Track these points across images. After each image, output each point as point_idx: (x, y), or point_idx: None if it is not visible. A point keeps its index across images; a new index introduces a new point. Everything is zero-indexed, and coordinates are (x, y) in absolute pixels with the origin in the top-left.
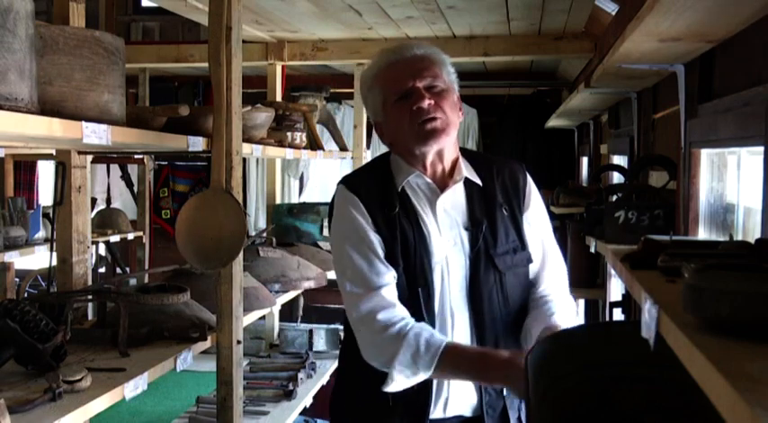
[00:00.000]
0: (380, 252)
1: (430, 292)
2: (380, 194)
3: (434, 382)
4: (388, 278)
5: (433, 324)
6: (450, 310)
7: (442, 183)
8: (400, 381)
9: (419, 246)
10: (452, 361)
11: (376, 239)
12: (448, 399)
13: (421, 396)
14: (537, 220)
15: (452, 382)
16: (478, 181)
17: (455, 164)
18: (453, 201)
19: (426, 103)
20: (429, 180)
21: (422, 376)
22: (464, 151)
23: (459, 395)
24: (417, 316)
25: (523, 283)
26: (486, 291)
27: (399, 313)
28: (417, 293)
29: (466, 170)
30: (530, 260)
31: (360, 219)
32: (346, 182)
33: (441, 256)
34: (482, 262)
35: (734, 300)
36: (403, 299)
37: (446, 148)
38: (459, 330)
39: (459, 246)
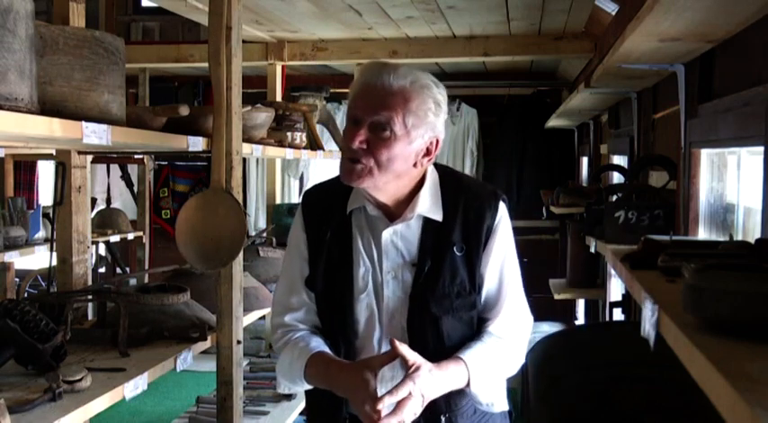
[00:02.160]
0: (303, 275)
1: (347, 321)
2: (325, 215)
3: None
4: (301, 304)
5: (352, 351)
6: (379, 339)
7: (392, 214)
8: (286, 387)
9: (342, 273)
10: (314, 370)
11: (300, 263)
12: None
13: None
14: (496, 260)
15: (386, 412)
16: (439, 217)
17: (411, 196)
18: (404, 233)
19: (356, 143)
20: (376, 213)
21: (300, 384)
22: (444, 175)
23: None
24: (335, 341)
25: (467, 326)
26: (421, 331)
27: (299, 326)
28: (334, 320)
29: (426, 206)
30: (474, 305)
31: (298, 236)
32: (308, 193)
33: (369, 288)
34: (419, 302)
35: (734, 300)
36: (323, 323)
37: (372, 190)
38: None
39: (398, 279)
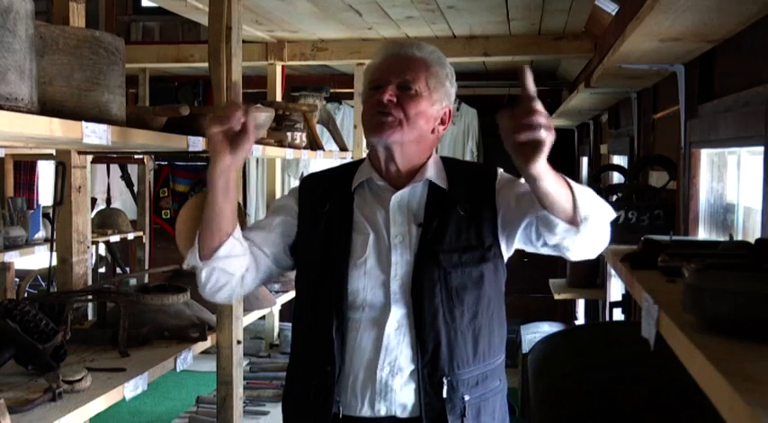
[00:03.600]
0: (269, 234)
1: (341, 290)
2: (325, 192)
3: (345, 376)
4: (252, 241)
5: (345, 323)
6: (384, 305)
7: (399, 183)
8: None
9: (337, 242)
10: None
11: (279, 220)
12: (375, 395)
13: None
14: (513, 191)
15: (385, 378)
16: (444, 185)
17: (419, 168)
18: (410, 198)
19: (387, 97)
20: (382, 182)
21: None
22: (445, 159)
23: (392, 393)
24: (327, 313)
25: (474, 283)
26: (428, 287)
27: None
28: (327, 289)
29: (434, 173)
30: (483, 259)
31: (286, 203)
32: (307, 176)
33: (372, 255)
34: (426, 259)
35: (734, 300)
36: (315, 296)
37: (397, 148)
38: (394, 324)
39: (406, 242)
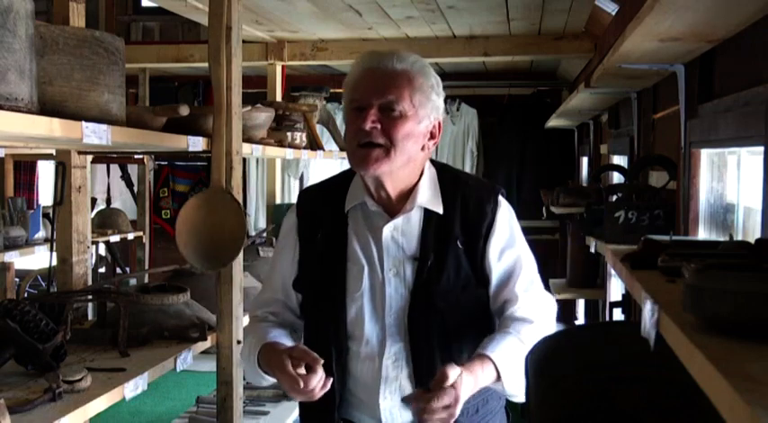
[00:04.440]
0: (282, 274)
1: (338, 323)
2: (319, 216)
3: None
4: (272, 300)
5: (345, 355)
6: (381, 338)
7: (392, 208)
8: (249, 375)
9: (333, 274)
10: (265, 358)
11: (282, 263)
12: (380, 416)
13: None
14: (503, 248)
15: (389, 408)
16: (439, 210)
17: (411, 190)
18: (404, 227)
19: (369, 124)
20: (375, 208)
21: (259, 375)
22: (441, 170)
23: (398, 417)
24: (325, 346)
25: (472, 321)
26: (424, 328)
27: (269, 317)
28: (324, 323)
29: (426, 197)
30: (480, 299)
31: (288, 238)
32: (303, 193)
33: (366, 287)
34: (422, 297)
35: (734, 300)
36: (313, 328)
37: (387, 177)
38: (392, 358)
39: (400, 275)
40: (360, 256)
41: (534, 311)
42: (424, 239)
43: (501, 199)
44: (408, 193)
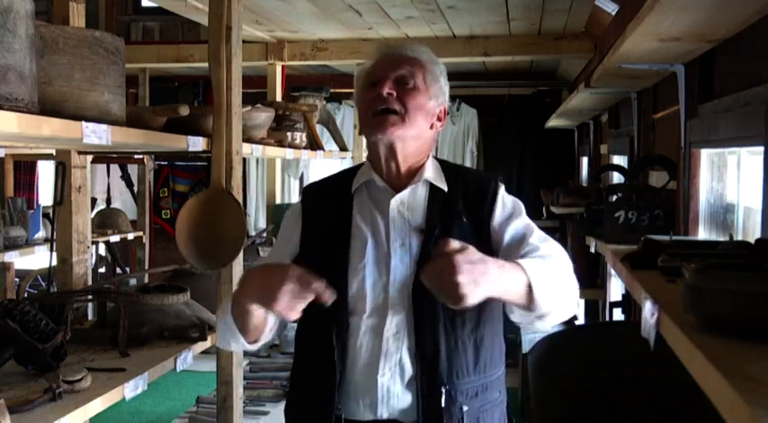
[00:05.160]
0: (281, 257)
1: (339, 296)
2: (325, 199)
3: (348, 380)
4: None
5: (345, 329)
6: (382, 311)
7: (399, 184)
8: (220, 334)
9: (336, 247)
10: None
11: (283, 246)
12: (376, 400)
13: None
14: (509, 225)
15: (386, 384)
16: (444, 187)
17: (419, 168)
18: (410, 201)
19: (386, 90)
20: (382, 183)
21: (233, 335)
22: (442, 162)
23: (394, 398)
24: (326, 319)
25: None
26: (429, 294)
27: None
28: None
29: (432, 175)
30: None
31: (291, 223)
32: (308, 186)
33: (371, 259)
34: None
35: (734, 300)
36: (313, 303)
37: (399, 145)
38: (393, 329)
39: (406, 246)
40: (364, 230)
41: (558, 251)
42: (430, 213)
43: (500, 185)
44: (414, 172)
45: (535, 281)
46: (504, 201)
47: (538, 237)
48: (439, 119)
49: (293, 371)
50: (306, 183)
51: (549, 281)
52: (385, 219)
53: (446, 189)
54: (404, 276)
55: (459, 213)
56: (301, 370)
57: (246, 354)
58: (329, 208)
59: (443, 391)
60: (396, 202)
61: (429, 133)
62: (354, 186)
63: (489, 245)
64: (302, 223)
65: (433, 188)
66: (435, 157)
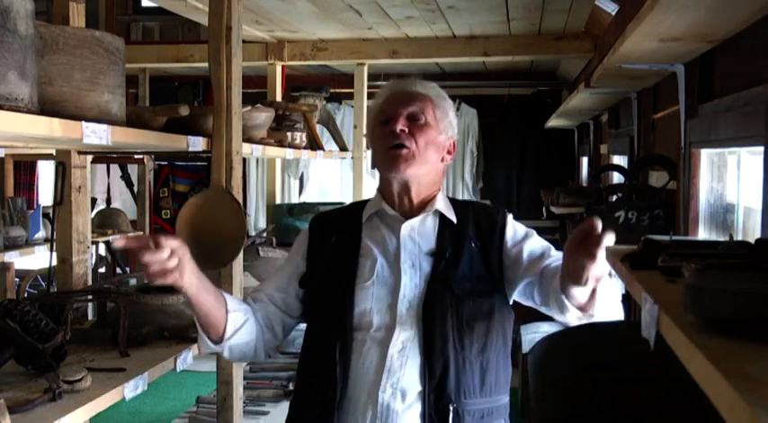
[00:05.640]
0: (280, 279)
1: (345, 311)
2: (334, 226)
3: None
4: (262, 295)
5: (349, 346)
6: (389, 326)
7: (411, 214)
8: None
9: (344, 265)
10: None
11: (286, 267)
12: (375, 419)
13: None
14: (525, 244)
15: (386, 401)
16: (453, 218)
17: (429, 200)
18: (421, 229)
19: (399, 127)
20: (393, 212)
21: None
22: (451, 198)
23: (393, 416)
24: (328, 336)
25: (484, 314)
26: (440, 312)
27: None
28: (331, 311)
29: (443, 206)
30: (493, 291)
31: (295, 247)
32: (315, 216)
33: (380, 277)
34: (439, 285)
35: (734, 300)
36: (319, 319)
37: (412, 180)
38: (398, 346)
39: (416, 268)
40: (374, 250)
41: None
42: (440, 239)
43: (509, 215)
44: (426, 204)
45: (600, 290)
46: (515, 226)
47: (557, 252)
48: (449, 152)
49: (296, 383)
50: (306, 183)
51: (607, 293)
52: (396, 241)
53: (455, 220)
54: (413, 294)
55: (470, 239)
56: (303, 383)
57: None
58: (339, 231)
59: (451, 409)
60: (407, 227)
61: (440, 166)
62: (365, 216)
63: (499, 272)
64: (309, 244)
65: (443, 218)
66: (447, 196)
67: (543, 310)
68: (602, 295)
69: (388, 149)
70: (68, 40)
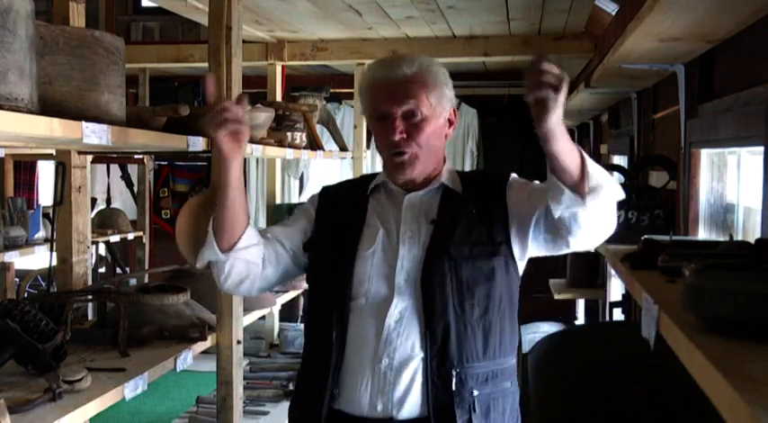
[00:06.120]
0: (288, 227)
1: (345, 278)
2: (342, 197)
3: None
4: (272, 235)
5: (346, 313)
6: (387, 297)
7: (415, 188)
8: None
9: (347, 233)
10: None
11: (298, 219)
12: (373, 389)
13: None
14: (527, 187)
15: (383, 370)
16: (458, 189)
17: (435, 175)
18: (424, 199)
19: (398, 135)
20: (397, 186)
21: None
22: (460, 171)
23: (390, 387)
24: (328, 304)
25: (484, 277)
26: (439, 278)
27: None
28: (331, 279)
29: (447, 179)
30: (494, 254)
31: (304, 208)
32: (326, 186)
33: (379, 247)
34: (437, 251)
35: (734, 300)
36: (320, 288)
37: (418, 176)
38: (395, 316)
39: (415, 238)
40: (377, 222)
41: None
42: (442, 207)
43: (514, 175)
44: (431, 179)
45: (587, 157)
46: (517, 179)
47: None
48: (450, 123)
49: (301, 362)
50: (306, 183)
51: (596, 165)
52: (397, 212)
53: (460, 191)
54: (411, 265)
55: (470, 204)
56: (306, 355)
57: (246, 354)
58: (345, 202)
59: (454, 374)
60: (410, 198)
61: (443, 142)
62: (370, 188)
63: (504, 228)
64: (316, 214)
65: (447, 190)
66: (455, 170)
67: (550, 246)
68: (593, 169)
69: (390, 155)
70: (68, 40)
